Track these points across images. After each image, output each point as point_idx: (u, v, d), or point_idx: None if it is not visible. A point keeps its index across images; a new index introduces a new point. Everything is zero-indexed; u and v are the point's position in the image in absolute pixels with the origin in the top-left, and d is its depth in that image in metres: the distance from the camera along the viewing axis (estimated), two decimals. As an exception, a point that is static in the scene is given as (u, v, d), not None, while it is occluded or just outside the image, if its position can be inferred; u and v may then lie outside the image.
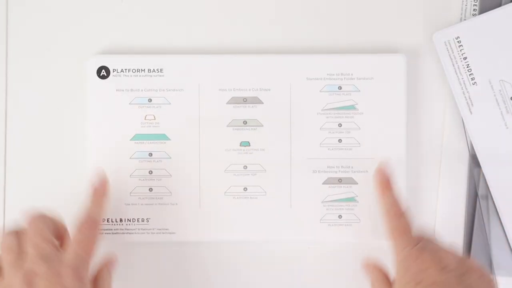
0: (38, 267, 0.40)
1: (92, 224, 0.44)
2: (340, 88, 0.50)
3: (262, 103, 0.50)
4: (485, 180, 0.50)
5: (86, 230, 0.43)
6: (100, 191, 0.46)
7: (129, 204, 0.50)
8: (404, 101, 0.50)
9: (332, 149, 0.50)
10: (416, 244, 0.42)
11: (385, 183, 0.47)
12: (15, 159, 0.51)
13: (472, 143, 0.50)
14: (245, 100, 0.50)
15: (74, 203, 0.50)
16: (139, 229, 0.50)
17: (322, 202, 0.50)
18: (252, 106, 0.50)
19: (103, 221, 0.50)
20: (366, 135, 0.50)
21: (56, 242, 0.42)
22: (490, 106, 0.49)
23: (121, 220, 0.50)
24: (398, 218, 0.44)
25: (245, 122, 0.50)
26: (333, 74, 0.50)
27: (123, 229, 0.50)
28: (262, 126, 0.50)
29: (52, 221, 0.43)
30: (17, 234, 0.42)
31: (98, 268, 0.45)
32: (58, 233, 0.44)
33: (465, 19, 0.50)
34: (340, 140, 0.50)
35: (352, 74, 0.50)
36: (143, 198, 0.50)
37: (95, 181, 0.46)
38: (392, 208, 0.45)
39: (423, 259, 0.41)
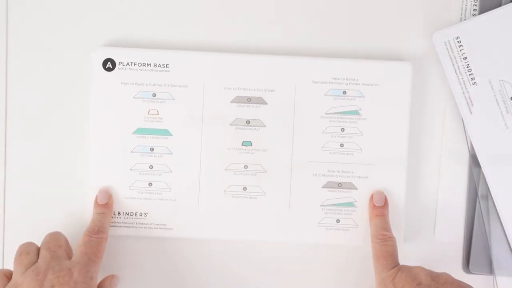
0: (50, 264, 0.43)
1: (98, 230, 0.47)
2: (344, 92, 0.50)
3: (266, 103, 0.50)
4: (485, 180, 0.50)
5: (93, 235, 0.46)
6: (104, 204, 0.49)
7: (128, 198, 0.50)
8: (408, 109, 0.50)
9: (334, 153, 0.50)
10: (395, 267, 0.44)
11: (379, 208, 0.48)
12: (16, 151, 0.51)
13: (472, 143, 0.50)
14: (249, 100, 0.50)
15: (76, 197, 0.51)
16: (136, 223, 0.50)
17: (321, 205, 0.50)
18: (256, 106, 0.50)
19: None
20: (368, 141, 0.50)
21: (68, 251, 0.46)
22: (490, 106, 0.49)
23: (119, 213, 0.50)
24: (384, 243, 0.46)
25: (248, 122, 0.50)
26: (339, 79, 0.50)
27: (120, 223, 0.50)
28: (265, 126, 0.50)
29: (65, 239, 0.47)
30: (33, 243, 0.46)
31: (102, 279, 0.48)
32: (68, 249, 0.47)
33: (465, 19, 0.50)
34: (342, 145, 0.50)
35: (357, 80, 0.50)
36: (142, 193, 0.50)
37: (100, 196, 0.49)
38: (380, 233, 0.47)
39: (399, 279, 0.43)
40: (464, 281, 0.43)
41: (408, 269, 0.44)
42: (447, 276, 0.43)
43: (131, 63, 0.50)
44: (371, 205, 0.49)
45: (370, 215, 0.49)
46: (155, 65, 0.50)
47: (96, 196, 0.49)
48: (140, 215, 0.50)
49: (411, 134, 0.50)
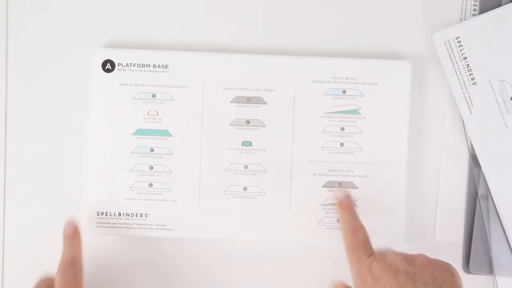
0: None
1: (71, 263, 0.45)
2: (344, 92, 0.50)
3: (266, 103, 0.50)
4: (485, 180, 0.50)
5: (67, 269, 0.44)
6: (72, 235, 0.46)
7: (128, 199, 0.50)
8: (408, 108, 0.50)
9: (334, 152, 0.50)
10: (369, 256, 0.43)
11: (345, 202, 0.48)
12: (16, 152, 0.51)
13: (472, 143, 0.50)
14: (248, 100, 0.50)
15: (76, 199, 0.51)
16: (137, 224, 0.50)
17: (322, 205, 0.50)
18: (256, 106, 0.50)
19: (102, 215, 0.50)
20: (368, 140, 0.50)
21: None
22: (490, 106, 0.49)
23: (119, 214, 0.50)
24: (354, 233, 0.45)
25: (247, 122, 0.50)
26: (338, 78, 0.50)
27: (121, 224, 0.50)
28: (265, 126, 0.50)
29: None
30: None
31: None
32: None
33: (465, 19, 0.50)
34: (342, 144, 0.50)
35: (357, 79, 0.50)
36: (142, 193, 0.50)
37: (66, 227, 0.47)
38: (349, 224, 0.46)
39: (376, 269, 0.42)
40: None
41: (382, 257, 0.42)
42: (422, 257, 0.42)
43: (130, 64, 0.50)
44: (339, 200, 0.49)
45: (338, 212, 0.49)
46: (154, 66, 0.50)
47: (64, 229, 0.47)
48: (141, 216, 0.50)
49: (411, 135, 0.50)
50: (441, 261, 0.42)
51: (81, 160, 0.51)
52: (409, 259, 0.42)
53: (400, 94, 0.50)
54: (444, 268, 0.41)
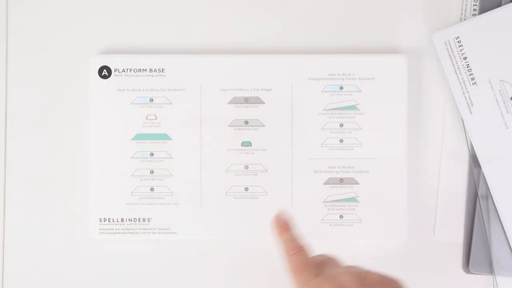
0: None
1: None
2: (341, 88, 0.50)
3: (264, 103, 0.50)
4: (485, 180, 0.50)
5: None
6: None
7: (130, 204, 0.50)
8: (405, 102, 0.50)
9: (334, 149, 0.50)
10: (317, 276, 0.40)
11: (282, 224, 0.45)
12: (15, 159, 0.51)
13: (472, 143, 0.50)
14: (246, 100, 0.50)
15: (75, 198, 0.51)
16: (140, 229, 0.50)
17: (324, 202, 0.50)
18: (254, 106, 0.50)
19: (104, 221, 0.50)
20: (367, 135, 0.50)
21: None
22: (490, 106, 0.49)
23: (122, 219, 0.50)
24: (296, 255, 0.42)
25: (246, 122, 0.50)
26: (335, 74, 0.50)
27: (124, 229, 0.50)
28: (264, 126, 0.50)
29: None
30: None
31: None
32: None
33: (465, 19, 0.50)
34: (341, 140, 0.50)
35: (353, 74, 0.50)
36: (144, 198, 0.50)
37: None
38: (289, 245, 0.43)
39: None
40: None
41: (333, 278, 0.40)
42: (372, 275, 0.40)
43: (127, 69, 0.50)
44: (275, 224, 0.45)
45: (277, 235, 0.45)
46: (150, 70, 0.50)
47: None
48: (144, 220, 0.50)
49: (412, 135, 0.50)
50: (389, 278, 0.40)
51: (81, 160, 0.51)
52: (361, 277, 0.39)
53: (398, 87, 0.50)
54: (394, 286, 0.39)
